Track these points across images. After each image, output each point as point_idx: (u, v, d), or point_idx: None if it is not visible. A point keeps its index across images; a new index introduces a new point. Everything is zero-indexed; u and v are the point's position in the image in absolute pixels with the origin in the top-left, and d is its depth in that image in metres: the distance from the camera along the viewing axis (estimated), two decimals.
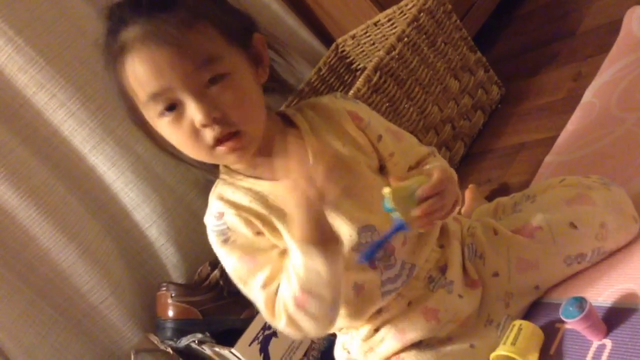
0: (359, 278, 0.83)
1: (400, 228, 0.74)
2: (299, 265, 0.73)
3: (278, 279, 0.78)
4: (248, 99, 0.76)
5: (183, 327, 1.24)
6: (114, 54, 0.75)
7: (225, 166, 0.86)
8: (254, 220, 0.80)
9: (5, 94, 1.34)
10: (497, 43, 1.70)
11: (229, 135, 0.75)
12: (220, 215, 0.82)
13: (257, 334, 1.09)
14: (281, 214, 0.80)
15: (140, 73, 0.72)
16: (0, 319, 1.26)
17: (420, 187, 0.74)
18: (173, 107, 0.74)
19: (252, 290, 0.80)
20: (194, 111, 0.73)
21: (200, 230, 1.40)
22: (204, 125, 0.73)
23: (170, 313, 1.25)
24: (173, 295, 1.26)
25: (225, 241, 0.81)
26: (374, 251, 0.79)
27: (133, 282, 1.42)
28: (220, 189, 0.84)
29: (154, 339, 1.25)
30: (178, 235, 1.45)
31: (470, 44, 1.45)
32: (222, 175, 0.86)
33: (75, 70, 1.38)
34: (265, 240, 0.81)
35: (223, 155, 0.77)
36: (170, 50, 0.71)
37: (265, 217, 0.81)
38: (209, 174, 0.89)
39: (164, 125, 0.76)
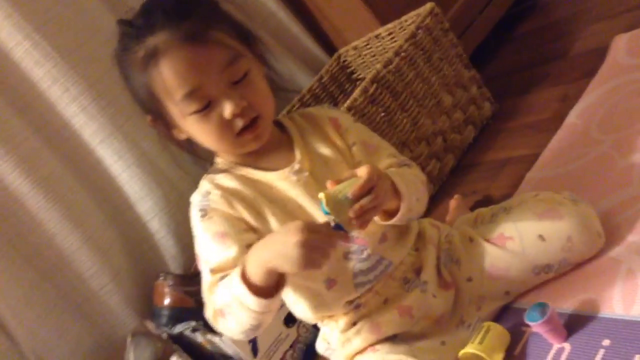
0: (332, 274, 0.90)
1: (338, 228, 0.76)
2: (237, 295, 0.77)
3: (225, 272, 0.83)
4: (263, 90, 0.88)
5: (178, 314, 1.31)
6: (143, 58, 0.82)
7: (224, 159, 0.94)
8: (237, 204, 0.88)
9: (21, 87, 1.41)
10: (493, 61, 1.76)
11: (252, 121, 0.84)
12: (206, 193, 0.90)
13: None
14: (269, 201, 0.88)
15: (177, 73, 0.81)
16: (5, 298, 1.33)
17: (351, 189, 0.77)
18: (206, 105, 0.82)
19: (204, 269, 0.87)
20: (226, 104, 0.82)
21: None
22: (235, 115, 0.82)
23: (167, 301, 1.32)
24: (170, 284, 1.33)
25: (204, 216, 0.88)
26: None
27: (133, 271, 1.48)
28: (213, 174, 0.92)
29: (150, 325, 1.32)
30: (178, 228, 1.51)
31: (466, 61, 1.51)
32: (219, 165, 0.94)
33: (88, 67, 1.44)
34: (241, 225, 0.87)
35: (247, 141, 0.87)
36: (202, 51, 0.81)
37: (251, 200, 0.88)
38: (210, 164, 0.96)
39: (194, 121, 0.84)
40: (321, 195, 0.76)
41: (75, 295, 1.42)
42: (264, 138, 0.89)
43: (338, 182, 0.79)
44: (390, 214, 0.86)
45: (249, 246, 0.84)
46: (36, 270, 1.39)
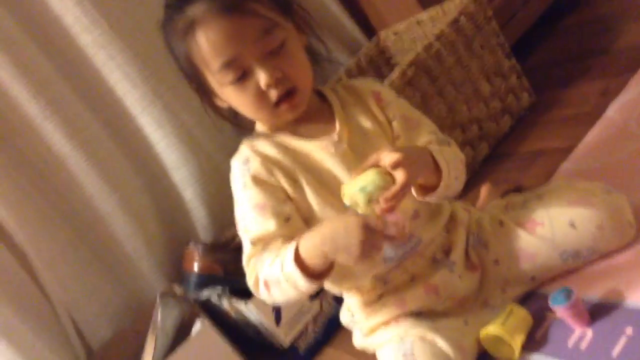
0: None
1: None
2: (287, 269, 0.80)
3: (266, 243, 0.87)
4: (300, 61, 0.88)
5: (206, 281, 1.34)
6: (182, 29, 0.84)
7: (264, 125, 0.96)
8: (275, 171, 0.90)
9: (69, 52, 1.45)
10: (535, 52, 1.75)
11: (288, 93, 0.86)
12: (246, 160, 0.91)
13: None
14: (305, 170, 0.90)
15: (213, 44, 0.82)
16: (41, 253, 1.38)
17: (377, 188, 0.76)
18: (243, 75, 0.84)
19: (243, 237, 0.90)
20: (260, 74, 0.83)
21: (230, 197, 1.50)
22: (269, 86, 0.84)
23: (196, 267, 1.35)
24: (200, 251, 1.36)
25: (245, 186, 0.91)
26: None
27: (164, 237, 1.52)
28: (253, 139, 0.94)
29: (178, 290, 1.35)
30: (211, 199, 1.55)
31: (507, 50, 1.50)
32: (258, 130, 0.96)
33: (133, 36, 1.47)
34: (280, 195, 0.89)
35: (284, 112, 0.88)
36: (237, 21, 0.82)
37: (288, 169, 0.90)
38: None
39: (231, 91, 0.86)
40: (342, 190, 0.78)
41: (108, 256, 1.47)
42: (300, 109, 0.90)
43: (359, 171, 0.79)
44: (427, 189, 0.87)
45: (287, 219, 0.88)
46: (73, 230, 1.44)
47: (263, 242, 0.88)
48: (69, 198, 1.43)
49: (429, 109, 1.38)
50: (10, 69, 1.36)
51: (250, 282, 0.89)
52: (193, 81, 0.92)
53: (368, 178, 0.77)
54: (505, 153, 1.45)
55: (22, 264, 1.37)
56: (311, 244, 0.80)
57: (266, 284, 0.85)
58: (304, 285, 0.81)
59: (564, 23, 1.79)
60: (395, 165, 0.77)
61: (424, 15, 1.60)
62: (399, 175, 0.77)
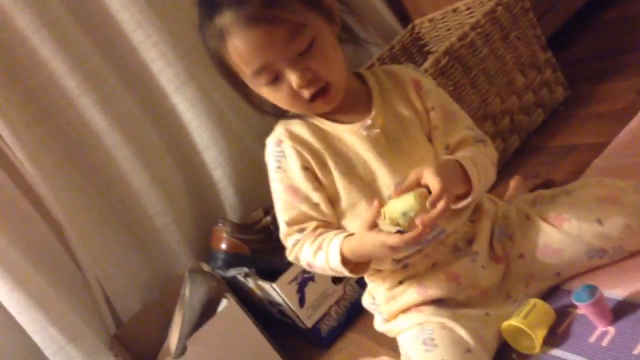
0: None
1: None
2: (333, 265, 0.88)
3: (300, 224, 0.94)
4: (331, 56, 0.87)
5: (232, 260, 1.37)
6: (214, 35, 0.85)
7: None
8: (305, 154, 0.92)
9: (107, 28, 1.48)
10: (572, 46, 1.72)
11: (321, 89, 0.87)
12: (279, 142, 0.94)
13: (297, 275, 1.20)
14: (335, 153, 0.92)
15: (242, 54, 0.84)
16: (76, 226, 1.42)
17: (417, 213, 0.77)
18: (275, 78, 0.86)
19: (280, 218, 0.96)
20: (291, 77, 0.84)
21: (258, 179, 1.52)
22: (300, 87, 0.85)
23: (223, 246, 1.38)
24: (228, 230, 1.39)
25: (278, 168, 0.94)
26: None
27: (194, 215, 1.56)
28: (288, 120, 0.96)
29: (205, 267, 1.39)
30: (239, 180, 1.58)
31: (543, 42, 1.49)
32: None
33: (170, 15, 1.50)
34: (310, 178, 0.92)
35: (319, 107, 0.90)
36: (264, 30, 0.82)
37: (318, 151, 0.92)
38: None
39: (266, 91, 0.89)
40: (381, 214, 0.81)
41: (139, 231, 1.50)
42: (335, 102, 0.91)
43: (402, 192, 0.80)
44: (457, 199, 0.87)
45: (316, 204, 0.92)
46: (106, 203, 1.48)
47: (296, 223, 0.94)
48: (103, 173, 1.47)
49: (461, 99, 1.38)
50: (50, 44, 1.39)
51: (290, 257, 0.97)
52: (229, 77, 0.92)
53: (408, 204, 0.78)
54: (537, 147, 1.44)
55: (58, 236, 1.41)
56: (349, 250, 0.87)
57: (309, 265, 0.94)
58: (347, 273, 0.89)
59: (603, 18, 1.75)
60: (438, 198, 0.78)
61: (460, 3, 1.59)
62: (440, 204, 0.78)
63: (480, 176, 0.87)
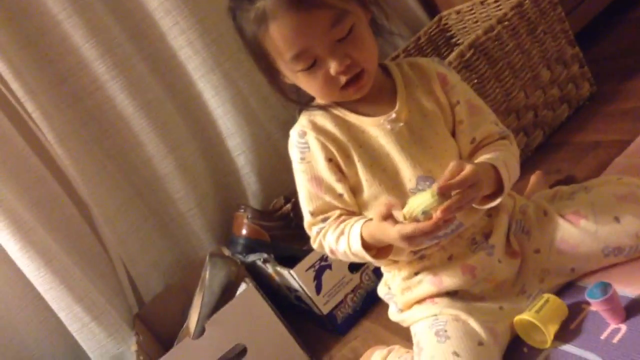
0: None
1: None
2: (355, 249, 0.89)
3: (324, 213, 0.95)
4: (367, 42, 0.89)
5: (252, 245, 1.40)
6: (254, 18, 0.86)
7: None
8: (329, 145, 0.93)
9: (136, 15, 1.51)
10: (600, 42, 1.70)
11: (355, 76, 0.88)
12: (303, 133, 0.95)
13: (314, 262, 1.22)
14: (359, 145, 0.93)
15: (284, 38, 0.84)
16: (102, 207, 1.46)
17: (434, 209, 0.78)
18: (313, 63, 0.87)
19: (304, 208, 0.97)
20: (331, 63, 0.86)
21: (280, 167, 1.54)
22: (339, 72, 0.86)
23: (244, 231, 1.41)
24: (249, 216, 1.42)
25: (302, 159, 0.96)
26: None
27: (216, 200, 1.59)
28: (312, 110, 0.97)
29: (226, 252, 1.41)
30: (261, 167, 1.60)
31: (570, 37, 1.47)
32: (319, 102, 0.98)
33: (198, 3, 1.51)
34: (333, 169, 0.93)
35: (350, 94, 0.91)
36: (307, 15, 0.83)
37: (342, 143, 0.93)
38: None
39: (302, 77, 0.89)
40: (401, 214, 0.82)
41: (163, 214, 1.54)
42: (367, 89, 0.92)
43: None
44: (486, 199, 0.88)
45: (340, 195, 0.94)
46: (132, 186, 1.52)
47: (320, 213, 0.95)
48: (130, 156, 1.50)
49: (484, 92, 1.37)
50: (82, 29, 1.43)
51: (314, 245, 0.99)
52: (262, 63, 0.93)
53: (427, 201, 0.79)
54: (560, 142, 1.43)
55: (85, 217, 1.45)
56: (368, 234, 0.88)
57: (332, 252, 0.96)
58: (372, 260, 0.90)
59: (632, 15, 1.72)
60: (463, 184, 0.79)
61: None
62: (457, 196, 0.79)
63: (510, 178, 0.89)
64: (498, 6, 1.56)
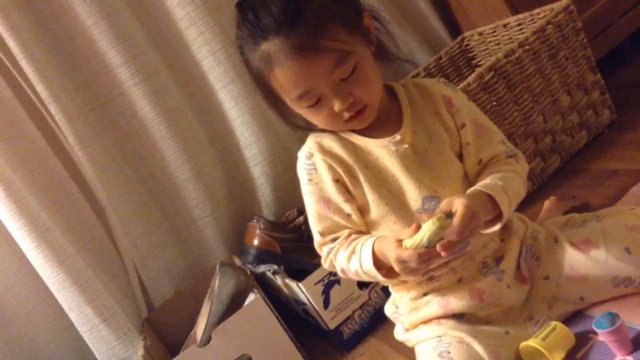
0: None
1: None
2: (367, 268, 0.90)
3: (334, 233, 0.97)
4: (370, 78, 0.89)
5: (263, 256, 1.40)
6: (260, 60, 0.87)
7: None
8: (336, 167, 0.94)
9: (162, 23, 1.54)
10: (623, 69, 1.69)
11: (359, 111, 0.90)
12: (309, 155, 0.96)
13: (323, 277, 1.22)
14: (365, 166, 0.94)
15: (287, 80, 0.86)
16: (118, 210, 1.48)
17: (438, 238, 0.80)
18: (317, 101, 0.88)
19: (313, 229, 0.99)
20: (334, 102, 0.87)
21: (295, 180, 1.54)
22: (342, 111, 0.88)
23: (256, 242, 1.42)
24: (261, 227, 1.43)
25: (310, 181, 0.97)
26: None
27: (230, 209, 1.60)
28: (320, 133, 0.98)
29: (237, 261, 1.42)
30: (276, 179, 1.61)
31: (592, 64, 1.46)
32: None
33: (223, 14, 1.54)
34: (341, 190, 0.95)
35: (355, 125, 0.93)
36: (311, 59, 0.84)
37: (349, 165, 0.94)
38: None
39: (306, 112, 0.92)
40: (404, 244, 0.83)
41: (177, 221, 1.56)
42: (369, 120, 0.93)
43: (415, 229, 0.82)
44: (486, 224, 0.89)
45: (348, 215, 0.95)
46: (148, 192, 1.54)
47: (329, 233, 0.97)
48: (148, 162, 1.53)
49: (503, 115, 1.37)
50: (108, 36, 1.45)
51: (325, 264, 1.00)
52: (268, 96, 0.94)
53: (429, 231, 0.80)
54: (577, 169, 1.42)
55: (100, 220, 1.48)
56: (379, 251, 0.89)
57: (344, 271, 0.97)
58: (382, 279, 0.91)
59: None
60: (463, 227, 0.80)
61: (511, 18, 1.58)
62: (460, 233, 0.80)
63: (510, 202, 0.89)
64: (520, 29, 1.56)
